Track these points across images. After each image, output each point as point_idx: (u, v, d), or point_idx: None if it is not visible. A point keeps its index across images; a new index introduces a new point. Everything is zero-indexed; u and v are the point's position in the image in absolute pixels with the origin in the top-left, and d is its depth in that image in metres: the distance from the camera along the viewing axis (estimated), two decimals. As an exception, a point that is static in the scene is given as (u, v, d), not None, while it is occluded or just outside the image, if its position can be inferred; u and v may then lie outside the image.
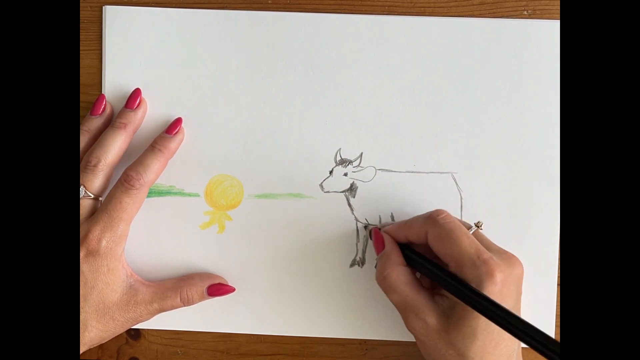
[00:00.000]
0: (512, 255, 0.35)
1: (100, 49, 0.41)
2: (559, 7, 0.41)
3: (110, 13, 0.41)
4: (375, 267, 0.38)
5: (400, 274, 0.36)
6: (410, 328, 0.36)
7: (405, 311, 0.36)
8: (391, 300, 0.37)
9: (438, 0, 0.41)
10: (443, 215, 0.36)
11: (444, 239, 0.35)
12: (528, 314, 0.40)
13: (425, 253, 0.37)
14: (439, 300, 0.36)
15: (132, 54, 0.41)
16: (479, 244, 0.35)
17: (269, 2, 0.41)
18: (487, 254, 0.34)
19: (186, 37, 0.41)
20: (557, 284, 0.41)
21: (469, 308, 0.33)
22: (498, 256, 0.34)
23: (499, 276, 0.33)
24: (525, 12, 0.41)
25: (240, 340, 0.42)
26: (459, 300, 0.34)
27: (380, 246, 0.38)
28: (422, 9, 0.41)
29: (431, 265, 0.35)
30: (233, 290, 0.41)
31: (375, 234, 0.39)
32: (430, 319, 0.35)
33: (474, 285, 0.33)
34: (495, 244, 0.37)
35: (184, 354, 0.42)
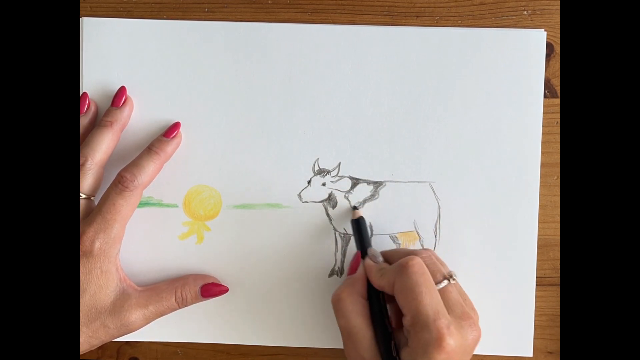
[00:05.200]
0: (473, 321, 0.33)
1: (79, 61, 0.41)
2: (559, 7, 0.41)
3: (88, 24, 0.41)
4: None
5: (355, 303, 0.35)
6: (347, 355, 0.36)
7: (347, 340, 0.35)
8: (338, 323, 0.36)
9: (438, 0, 0.41)
10: (413, 263, 0.34)
11: (406, 292, 0.33)
12: (506, 319, 0.41)
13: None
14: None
15: (108, 66, 0.41)
16: (441, 304, 0.33)
17: (269, 2, 0.41)
18: (443, 320, 0.32)
19: (163, 49, 0.41)
20: (534, 293, 0.41)
21: None
22: (456, 322, 0.33)
23: (448, 346, 0.31)
24: (525, 12, 0.41)
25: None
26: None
27: (352, 270, 0.38)
28: (422, 9, 0.41)
29: (378, 319, 0.35)
30: (226, 290, 0.41)
31: (356, 258, 0.39)
32: (367, 354, 0.34)
33: (421, 348, 0.32)
34: (461, 303, 0.34)
35: (184, 354, 0.43)
